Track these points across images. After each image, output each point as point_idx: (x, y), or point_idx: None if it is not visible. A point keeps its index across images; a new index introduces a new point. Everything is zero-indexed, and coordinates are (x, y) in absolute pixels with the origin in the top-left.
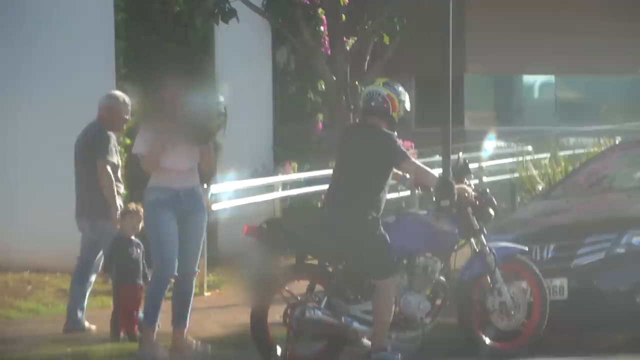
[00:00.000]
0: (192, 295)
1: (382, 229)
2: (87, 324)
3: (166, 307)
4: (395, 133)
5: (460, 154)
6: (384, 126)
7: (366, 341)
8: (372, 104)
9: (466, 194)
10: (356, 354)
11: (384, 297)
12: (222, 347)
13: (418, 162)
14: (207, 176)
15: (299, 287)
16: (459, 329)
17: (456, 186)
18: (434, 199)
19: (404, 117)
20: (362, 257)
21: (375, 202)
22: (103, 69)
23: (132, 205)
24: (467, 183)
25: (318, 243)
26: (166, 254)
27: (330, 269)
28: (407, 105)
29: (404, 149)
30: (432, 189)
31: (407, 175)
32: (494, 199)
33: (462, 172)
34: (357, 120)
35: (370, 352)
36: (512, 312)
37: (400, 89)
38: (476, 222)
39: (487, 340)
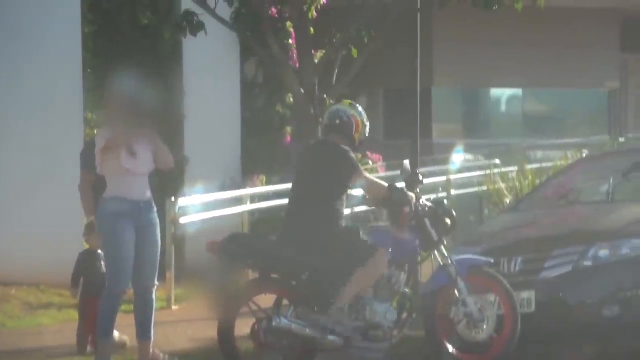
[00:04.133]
0: (154, 307)
1: (344, 224)
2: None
3: (132, 320)
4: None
5: (406, 162)
6: (343, 143)
7: None
8: (337, 122)
9: (414, 201)
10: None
11: (371, 267)
12: None
13: (370, 176)
14: (168, 176)
15: (267, 302)
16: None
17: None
18: (386, 212)
19: (363, 141)
20: (335, 257)
21: (335, 210)
22: (70, 81)
23: None
24: (417, 192)
25: (279, 255)
26: (123, 268)
27: (294, 282)
28: (367, 131)
29: (358, 164)
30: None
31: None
32: (452, 210)
33: (412, 181)
34: (319, 138)
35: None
36: (480, 324)
37: (364, 113)
38: (435, 234)
39: (454, 352)
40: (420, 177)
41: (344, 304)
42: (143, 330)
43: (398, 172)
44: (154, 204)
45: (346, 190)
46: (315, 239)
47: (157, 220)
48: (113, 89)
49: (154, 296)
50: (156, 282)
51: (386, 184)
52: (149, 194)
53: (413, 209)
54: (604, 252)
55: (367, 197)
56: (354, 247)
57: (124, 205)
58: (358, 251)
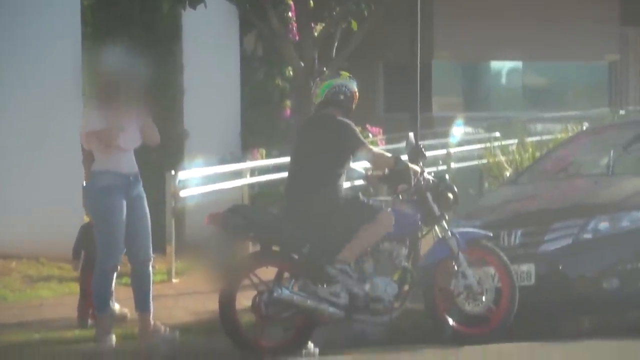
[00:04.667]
0: (151, 280)
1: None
2: (117, 307)
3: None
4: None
5: (411, 135)
6: (341, 116)
7: None
8: (342, 97)
9: (419, 175)
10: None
11: (376, 224)
12: (191, 333)
13: (374, 148)
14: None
15: (268, 275)
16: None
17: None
18: (389, 184)
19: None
20: (338, 226)
21: (335, 183)
22: (69, 54)
23: None
24: (421, 166)
25: (280, 228)
26: (115, 243)
27: (295, 255)
28: None
29: (360, 136)
30: (386, 172)
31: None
32: (453, 185)
33: (416, 154)
34: (315, 110)
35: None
36: (479, 297)
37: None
38: (436, 209)
39: (453, 325)
40: (424, 151)
41: (348, 261)
42: (142, 302)
43: (397, 146)
44: (139, 177)
45: (348, 163)
46: (315, 211)
47: (144, 193)
48: (103, 64)
49: (150, 269)
50: (151, 255)
51: (391, 155)
52: (136, 167)
53: (413, 183)
54: (603, 225)
55: (370, 172)
56: (357, 211)
57: (115, 179)
58: (362, 213)
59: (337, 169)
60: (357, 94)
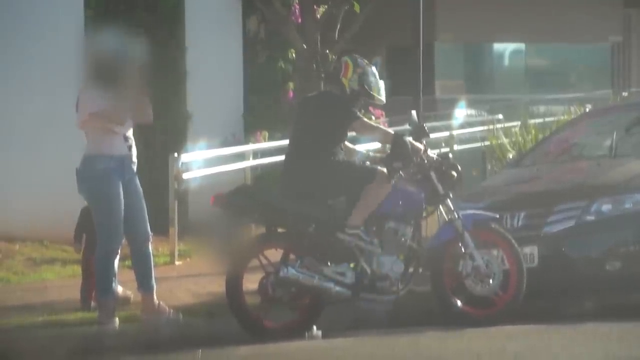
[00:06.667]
0: (152, 259)
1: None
2: (120, 289)
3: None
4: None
5: (413, 113)
6: (335, 91)
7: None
8: (330, 69)
9: (421, 153)
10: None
11: (376, 184)
12: (193, 315)
13: (371, 121)
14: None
15: (274, 257)
16: (431, 297)
17: (412, 144)
18: (388, 158)
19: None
20: (340, 191)
21: (331, 155)
22: (72, 35)
23: None
24: (424, 144)
25: (285, 208)
26: (116, 225)
27: (300, 235)
28: (372, 84)
29: (355, 110)
30: (387, 148)
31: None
32: (457, 164)
33: (418, 132)
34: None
35: (346, 228)
36: (488, 278)
37: (363, 62)
38: (441, 187)
39: (461, 306)
40: (427, 130)
41: (358, 224)
42: (144, 282)
43: (400, 128)
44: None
45: (343, 138)
46: (315, 183)
47: (136, 174)
48: (105, 46)
49: (150, 248)
50: (150, 234)
51: (391, 131)
52: (129, 149)
53: (416, 161)
54: (606, 207)
55: (373, 153)
56: (356, 174)
57: (111, 162)
58: (361, 176)
59: (334, 144)
60: (349, 62)
